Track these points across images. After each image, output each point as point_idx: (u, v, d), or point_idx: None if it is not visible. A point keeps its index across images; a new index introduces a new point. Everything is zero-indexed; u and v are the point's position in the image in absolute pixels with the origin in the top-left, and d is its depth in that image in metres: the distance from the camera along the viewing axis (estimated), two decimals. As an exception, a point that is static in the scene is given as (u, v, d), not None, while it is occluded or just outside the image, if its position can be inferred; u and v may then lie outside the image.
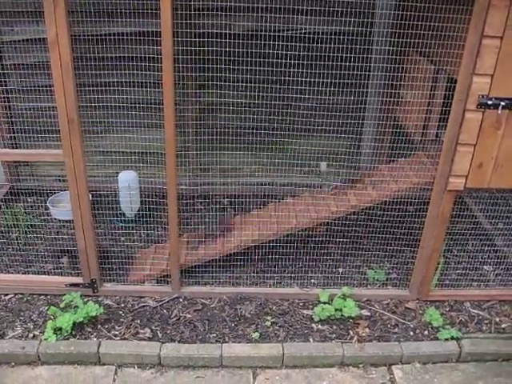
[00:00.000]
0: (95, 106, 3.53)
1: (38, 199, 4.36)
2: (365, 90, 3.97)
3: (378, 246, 3.63)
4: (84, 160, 2.98)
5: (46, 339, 3.07)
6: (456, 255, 3.86)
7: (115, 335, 3.15)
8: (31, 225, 4.03)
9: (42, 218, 4.17)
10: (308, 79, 3.23)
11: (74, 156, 2.94)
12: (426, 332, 3.26)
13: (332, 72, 3.22)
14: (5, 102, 4.16)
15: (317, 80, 3.24)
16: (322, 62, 3.16)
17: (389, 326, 3.29)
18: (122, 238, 3.87)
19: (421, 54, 3.36)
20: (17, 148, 4.27)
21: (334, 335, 3.19)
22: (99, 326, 3.20)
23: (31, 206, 4.29)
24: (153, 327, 3.21)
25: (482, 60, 2.69)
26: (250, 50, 3.22)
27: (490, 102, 2.76)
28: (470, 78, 2.75)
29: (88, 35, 3.56)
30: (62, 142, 2.92)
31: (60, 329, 3.11)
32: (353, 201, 3.34)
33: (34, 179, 4.46)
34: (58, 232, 3.98)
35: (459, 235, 3.74)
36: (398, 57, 3.27)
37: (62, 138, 2.90)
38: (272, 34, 3.27)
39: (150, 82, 3.64)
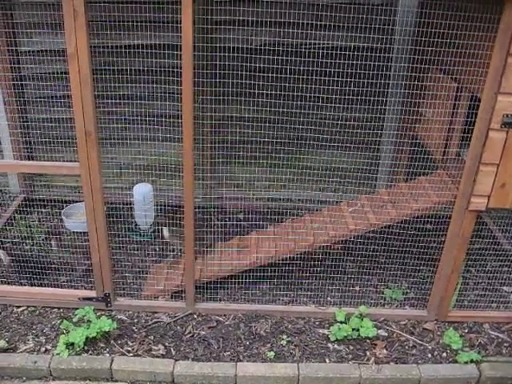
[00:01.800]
0: (112, 119, 3.52)
1: (52, 210, 4.33)
2: (383, 108, 3.94)
3: (396, 264, 3.56)
4: (101, 173, 2.95)
5: (58, 354, 3.03)
6: (475, 275, 3.79)
7: (128, 351, 3.10)
8: (45, 237, 4.01)
9: (57, 230, 4.14)
10: (326, 95, 3.20)
11: (91, 169, 2.92)
12: (444, 354, 3.18)
13: (350, 88, 3.19)
14: (21, 112, 4.16)
15: (335, 95, 3.21)
16: (341, 78, 3.13)
17: (406, 347, 3.22)
18: (136, 252, 3.83)
19: (442, 71, 3.32)
20: (32, 159, 4.26)
21: (351, 356, 3.13)
22: (112, 342, 3.16)
23: (45, 218, 4.26)
24: (166, 344, 3.16)
25: (507, 79, 2.64)
26: (267, 65, 3.20)
27: (514, 122, 2.72)
28: (495, 97, 2.70)
29: (107, 46, 3.55)
30: (78, 154, 2.89)
31: (72, 344, 3.07)
32: (372, 219, 3.29)
33: (48, 190, 4.44)
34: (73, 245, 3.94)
35: (478, 255, 3.67)
36: (418, 74, 3.22)
37: (78, 151, 2.88)
38: (290, 48, 3.25)
39: (167, 95, 3.61)
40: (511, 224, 3.92)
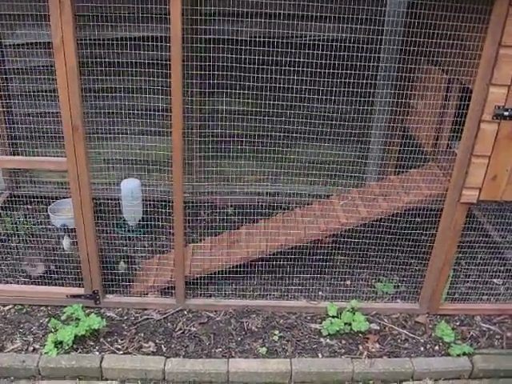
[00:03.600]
0: (99, 112, 3.46)
1: (38, 207, 4.26)
2: (372, 99, 3.91)
3: (386, 258, 3.55)
4: (88, 168, 2.90)
5: (46, 353, 2.98)
6: (465, 268, 3.79)
7: (118, 349, 3.06)
8: (32, 234, 3.94)
9: (42, 226, 4.07)
10: (314, 87, 3.16)
11: (78, 164, 2.86)
12: (436, 347, 3.17)
13: (339, 80, 3.15)
14: (5, 107, 4.07)
15: (323, 87, 3.17)
16: (330, 70, 3.09)
17: (399, 340, 3.21)
18: (125, 248, 3.77)
19: (433, 63, 3.30)
20: (17, 155, 4.18)
21: (343, 350, 3.11)
22: (101, 340, 3.11)
23: (32, 214, 4.19)
24: (157, 341, 3.11)
25: (499, 70, 2.63)
26: (256, 57, 3.16)
27: (506, 113, 2.70)
28: (487, 89, 2.68)
29: (94, 39, 3.48)
30: (65, 149, 2.83)
31: (61, 342, 3.01)
32: (363, 212, 3.26)
33: (34, 186, 4.37)
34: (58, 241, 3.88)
35: (467, 247, 3.66)
36: (408, 65, 3.20)
37: (65, 145, 2.82)
38: (277, 40, 3.20)
39: (156, 88, 3.55)
40: (500, 216, 3.91)
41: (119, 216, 4.02)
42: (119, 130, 3.62)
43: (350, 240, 3.36)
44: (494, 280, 3.71)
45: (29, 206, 4.26)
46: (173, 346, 3.09)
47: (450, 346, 3.15)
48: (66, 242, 3.50)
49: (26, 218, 4.11)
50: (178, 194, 2.97)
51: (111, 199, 4.04)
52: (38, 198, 4.10)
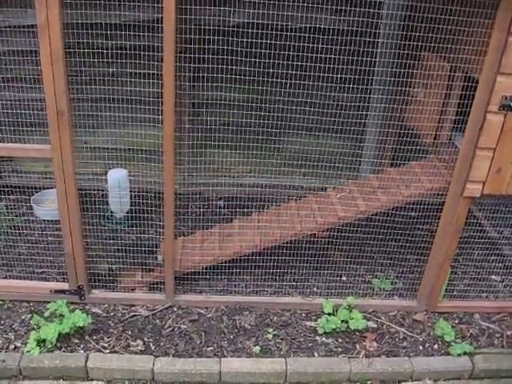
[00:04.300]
0: (86, 99, 3.29)
1: (20, 197, 4.08)
2: (369, 87, 3.77)
3: (383, 253, 3.43)
4: (73, 156, 2.74)
5: (28, 351, 2.82)
6: (463, 264, 3.69)
7: (104, 347, 2.91)
8: (13, 225, 3.76)
9: (25, 218, 3.90)
10: (308, 73, 3.02)
11: (63, 152, 2.70)
12: (436, 346, 3.07)
13: (334, 66, 3.01)
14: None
15: (317, 74, 3.02)
16: (323, 55, 2.94)
17: (397, 339, 3.10)
18: (111, 241, 3.61)
19: (435, 49, 3.16)
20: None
21: (340, 349, 2.99)
22: (87, 337, 2.96)
23: (13, 205, 4.01)
24: (145, 339, 2.97)
25: (508, 58, 2.51)
26: (249, 46, 3.00)
27: (513, 104, 2.59)
28: (494, 78, 2.57)
29: (81, 22, 3.30)
30: (50, 136, 2.67)
31: (44, 340, 2.86)
32: (361, 206, 3.13)
33: (16, 176, 4.18)
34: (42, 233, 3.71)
35: (464, 243, 3.55)
36: (407, 51, 3.06)
37: (50, 132, 2.66)
38: (271, 28, 3.05)
39: (146, 74, 3.39)
40: (497, 211, 3.82)
41: (106, 208, 3.85)
42: (106, 117, 3.45)
43: (345, 234, 3.24)
44: (493, 277, 3.62)
45: (11, 197, 4.08)
46: (162, 344, 2.95)
47: (449, 344, 3.04)
48: None
49: (7, 208, 3.93)
50: (169, 185, 2.82)
51: (97, 190, 3.90)
52: (20, 188, 3.91)
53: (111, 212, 3.89)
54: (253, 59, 2.98)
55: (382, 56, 3.62)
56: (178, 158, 3.95)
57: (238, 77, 3.23)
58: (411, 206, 3.18)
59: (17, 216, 3.91)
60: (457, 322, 3.26)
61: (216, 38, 3.10)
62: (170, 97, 2.58)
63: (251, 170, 4.26)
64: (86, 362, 2.79)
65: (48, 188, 3.96)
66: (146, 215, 3.42)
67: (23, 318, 3.07)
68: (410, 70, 3.24)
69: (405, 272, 3.48)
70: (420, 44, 2.84)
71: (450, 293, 3.37)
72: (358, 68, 3.02)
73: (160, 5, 2.39)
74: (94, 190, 3.65)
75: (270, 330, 3.06)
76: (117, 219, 3.88)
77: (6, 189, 3.55)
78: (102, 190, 3.88)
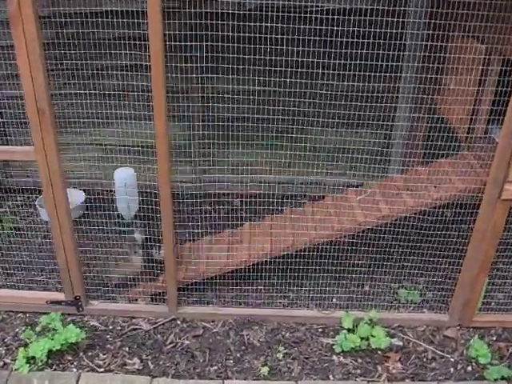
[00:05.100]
0: (84, 94, 3.05)
1: (27, 198, 3.89)
2: (397, 75, 3.40)
3: (411, 260, 3.06)
4: (59, 156, 2.50)
5: (17, 369, 2.61)
6: (502, 273, 3.29)
7: (99, 365, 2.67)
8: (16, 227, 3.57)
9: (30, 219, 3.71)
10: (330, 61, 2.69)
11: (47, 153, 2.47)
12: (469, 368, 2.71)
13: (358, 52, 2.67)
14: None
15: (339, 61, 2.70)
16: (348, 39, 2.61)
17: (425, 359, 2.75)
18: (120, 250, 3.36)
19: (467, 29, 2.77)
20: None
21: (359, 371, 2.66)
22: (81, 354, 2.73)
23: (18, 206, 3.82)
24: (143, 356, 2.72)
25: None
26: (265, 31, 2.69)
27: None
28: (537, 60, 2.19)
29: (64, 12, 3.04)
30: (32, 137, 2.44)
31: (34, 357, 2.64)
32: (384, 210, 2.78)
33: (26, 175, 3.99)
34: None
35: (504, 245, 3.14)
36: (438, 32, 2.69)
37: (32, 133, 2.43)
38: (290, 12, 2.73)
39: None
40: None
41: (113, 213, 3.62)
42: (105, 114, 3.20)
43: (369, 239, 2.90)
44: (537, 286, 3.22)
45: (19, 197, 3.89)
46: (161, 362, 2.69)
47: (485, 367, 2.67)
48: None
49: (9, 209, 3.75)
50: (165, 187, 2.55)
51: (105, 191, 3.68)
52: (26, 188, 3.73)
53: (118, 214, 3.64)
54: (272, 46, 2.68)
55: (411, 38, 3.26)
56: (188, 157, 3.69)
57: (256, 67, 2.91)
58: (446, 208, 2.82)
59: (21, 218, 3.72)
60: (494, 338, 2.89)
61: (231, 23, 2.78)
62: (160, 90, 2.30)
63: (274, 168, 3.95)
64: (78, 382, 2.56)
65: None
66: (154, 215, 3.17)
67: (17, 330, 2.88)
68: (441, 55, 2.87)
69: (435, 282, 3.10)
70: (451, 23, 2.48)
71: (487, 305, 3.00)
72: (386, 53, 2.69)
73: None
74: (99, 194, 3.44)
75: (281, 348, 2.76)
76: (125, 221, 3.63)
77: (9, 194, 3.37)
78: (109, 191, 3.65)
